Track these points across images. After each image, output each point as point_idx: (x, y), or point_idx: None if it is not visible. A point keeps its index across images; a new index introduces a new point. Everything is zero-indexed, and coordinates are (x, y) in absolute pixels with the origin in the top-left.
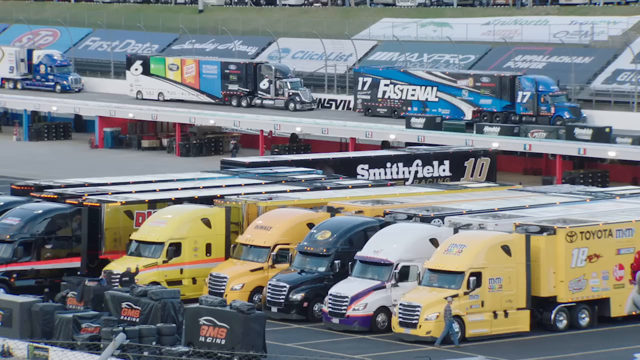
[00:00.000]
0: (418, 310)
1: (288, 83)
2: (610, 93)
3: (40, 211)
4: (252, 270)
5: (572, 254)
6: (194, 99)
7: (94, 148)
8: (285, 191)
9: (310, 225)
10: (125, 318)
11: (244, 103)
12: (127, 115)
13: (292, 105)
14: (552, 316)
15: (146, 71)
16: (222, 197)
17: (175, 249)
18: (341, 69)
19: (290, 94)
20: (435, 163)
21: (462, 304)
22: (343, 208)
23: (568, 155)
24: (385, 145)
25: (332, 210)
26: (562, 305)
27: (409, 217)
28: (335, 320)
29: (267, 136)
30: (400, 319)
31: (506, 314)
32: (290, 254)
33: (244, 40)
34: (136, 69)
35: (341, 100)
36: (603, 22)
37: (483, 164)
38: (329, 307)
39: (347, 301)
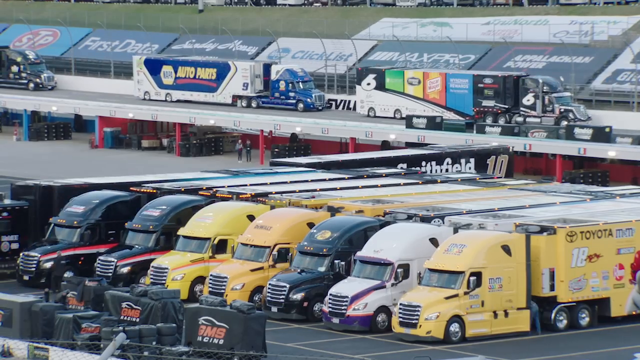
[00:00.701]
0: (418, 310)
1: (558, 98)
2: (610, 93)
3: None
4: (253, 270)
5: (572, 254)
6: None
7: (94, 148)
8: (335, 188)
9: (310, 225)
10: (125, 318)
11: (501, 121)
12: (127, 115)
13: (563, 123)
14: (552, 316)
15: (380, 86)
16: (266, 195)
17: (221, 245)
18: (341, 69)
19: (562, 110)
20: (463, 161)
21: (462, 304)
22: (343, 208)
23: (568, 155)
24: (385, 145)
25: (332, 210)
26: (562, 305)
27: (409, 217)
28: (335, 320)
29: (267, 136)
30: (401, 319)
31: (506, 314)
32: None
33: (244, 40)
34: (368, 84)
35: (341, 100)
36: (603, 22)
37: (502, 161)
38: (329, 307)
39: (347, 301)
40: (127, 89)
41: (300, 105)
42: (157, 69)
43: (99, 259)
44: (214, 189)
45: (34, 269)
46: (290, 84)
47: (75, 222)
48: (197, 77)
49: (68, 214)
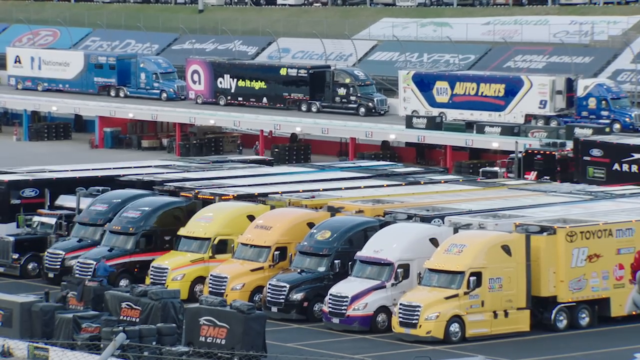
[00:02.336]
0: (418, 310)
1: None
2: None
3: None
4: (253, 270)
5: (572, 254)
6: None
7: (94, 148)
8: (341, 188)
9: (311, 225)
10: (125, 318)
11: None
12: (127, 115)
13: None
14: (552, 316)
15: None
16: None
17: (221, 245)
18: None
19: None
20: None
21: (462, 304)
22: (343, 208)
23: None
24: (385, 145)
25: (332, 210)
26: (563, 305)
27: (409, 217)
28: (336, 320)
29: (267, 136)
30: (401, 319)
31: (506, 314)
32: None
33: (244, 40)
34: None
35: None
36: (603, 22)
37: None
38: (329, 307)
39: (347, 301)
40: None
41: (617, 127)
42: (428, 84)
43: (78, 261)
44: (196, 191)
45: (58, 267)
46: (602, 102)
47: (100, 220)
48: (479, 93)
49: (89, 212)
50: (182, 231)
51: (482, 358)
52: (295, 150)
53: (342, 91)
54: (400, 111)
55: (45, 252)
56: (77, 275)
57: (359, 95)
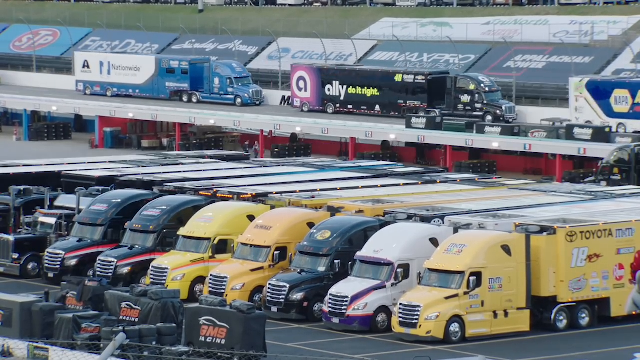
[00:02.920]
0: (418, 310)
1: None
2: None
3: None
4: (253, 270)
5: (572, 254)
6: None
7: (94, 148)
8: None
9: (311, 225)
10: (125, 318)
11: None
12: (127, 115)
13: None
14: (552, 316)
15: None
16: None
17: (221, 245)
18: None
19: None
20: None
21: (462, 303)
22: (343, 208)
23: (568, 155)
24: (385, 145)
25: (332, 210)
26: (562, 305)
27: (409, 217)
28: (335, 320)
29: (267, 136)
30: (401, 319)
31: (506, 314)
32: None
33: (244, 40)
34: None
35: None
36: (603, 22)
37: None
38: (329, 307)
39: (347, 301)
40: None
41: None
42: (605, 93)
43: (99, 259)
44: (215, 189)
45: (58, 267)
46: None
47: (99, 220)
48: None
49: (89, 212)
50: (182, 231)
51: (482, 358)
52: (295, 150)
53: (465, 98)
54: (573, 120)
55: (45, 252)
56: (98, 273)
57: (485, 102)
